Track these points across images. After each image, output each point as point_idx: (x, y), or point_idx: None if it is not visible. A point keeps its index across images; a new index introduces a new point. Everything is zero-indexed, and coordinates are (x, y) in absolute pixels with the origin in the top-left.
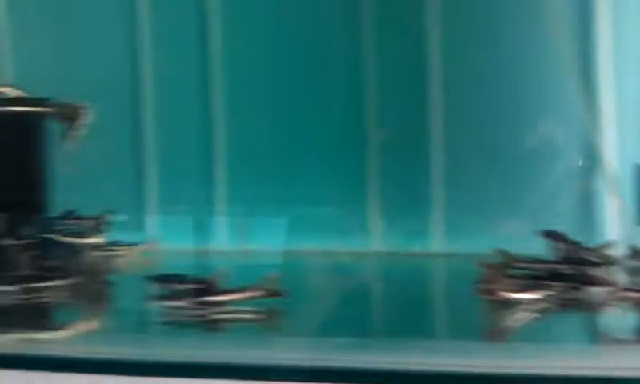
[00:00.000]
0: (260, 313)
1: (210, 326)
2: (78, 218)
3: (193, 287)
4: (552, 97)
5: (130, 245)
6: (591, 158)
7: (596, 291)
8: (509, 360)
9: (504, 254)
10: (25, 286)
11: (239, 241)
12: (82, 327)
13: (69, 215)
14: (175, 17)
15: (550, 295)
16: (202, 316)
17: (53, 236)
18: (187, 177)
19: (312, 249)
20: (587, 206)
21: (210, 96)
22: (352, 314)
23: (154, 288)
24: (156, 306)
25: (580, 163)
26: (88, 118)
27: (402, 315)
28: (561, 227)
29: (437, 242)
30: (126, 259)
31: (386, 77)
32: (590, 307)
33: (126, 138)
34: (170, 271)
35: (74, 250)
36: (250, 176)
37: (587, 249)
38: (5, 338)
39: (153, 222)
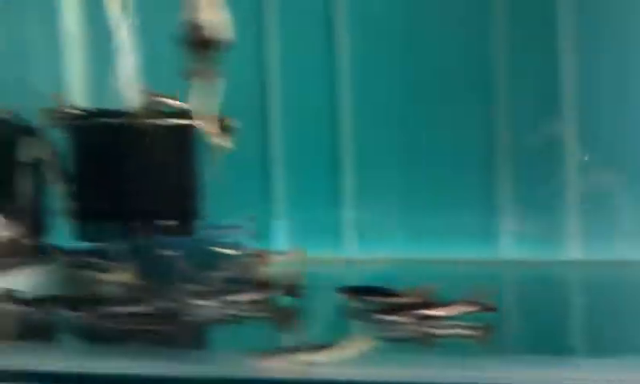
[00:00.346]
0: (475, 328)
1: (437, 342)
2: (224, 227)
3: (406, 301)
4: None
5: (278, 253)
6: None
7: None
8: None
9: None
10: (222, 299)
11: (368, 249)
12: (349, 347)
13: (213, 225)
14: (303, 31)
15: None
16: (422, 332)
17: (207, 246)
18: (314, 187)
19: (439, 257)
20: None
21: (338, 107)
22: (572, 327)
23: (347, 299)
24: (364, 320)
25: None
26: (234, 130)
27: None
28: None
29: (570, 250)
30: (275, 268)
31: (517, 81)
32: None
33: (255, 148)
34: (328, 280)
35: (229, 259)
36: (378, 185)
37: None
38: (279, 360)
39: (281, 230)
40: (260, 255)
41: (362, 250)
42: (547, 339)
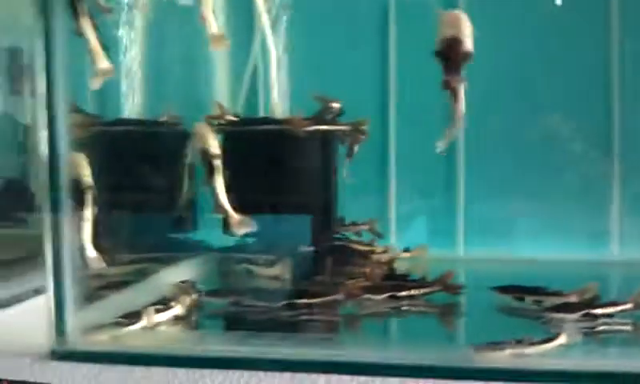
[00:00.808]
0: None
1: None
2: (354, 224)
3: (573, 300)
4: None
5: (404, 250)
6: None
7: None
8: None
9: None
10: (393, 294)
11: (487, 247)
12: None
13: (344, 222)
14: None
15: None
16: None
17: (345, 243)
18: (426, 190)
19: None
20: None
21: None
22: None
23: (502, 298)
24: (530, 317)
25: None
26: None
27: None
28: None
29: None
30: (402, 264)
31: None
32: None
33: (373, 150)
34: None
35: (364, 255)
36: (489, 188)
37: None
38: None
39: (398, 229)
40: (388, 251)
41: (480, 248)
42: None
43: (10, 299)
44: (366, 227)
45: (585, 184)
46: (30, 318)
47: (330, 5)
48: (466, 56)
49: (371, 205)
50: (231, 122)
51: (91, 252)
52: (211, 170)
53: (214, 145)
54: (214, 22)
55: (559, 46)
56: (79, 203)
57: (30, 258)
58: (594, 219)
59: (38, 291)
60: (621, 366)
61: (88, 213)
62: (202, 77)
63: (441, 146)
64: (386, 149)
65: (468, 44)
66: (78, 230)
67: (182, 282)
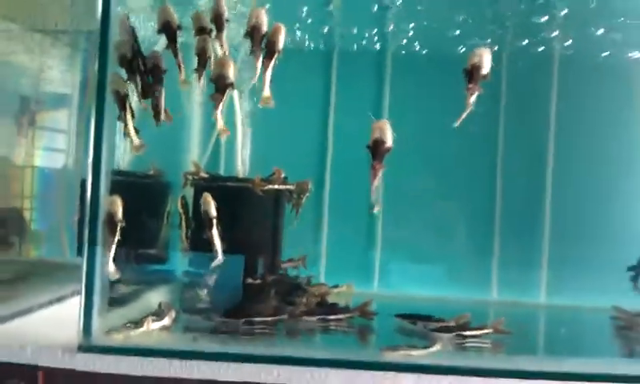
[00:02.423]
0: (495, 342)
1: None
2: (290, 259)
3: (452, 324)
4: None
5: (333, 286)
6: None
7: None
8: None
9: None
10: (323, 317)
11: (399, 286)
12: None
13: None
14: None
15: None
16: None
17: (285, 277)
18: (352, 239)
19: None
20: None
21: None
22: None
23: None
24: (422, 335)
25: None
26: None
27: None
28: None
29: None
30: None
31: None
32: None
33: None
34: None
35: (302, 288)
36: (403, 239)
37: None
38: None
39: (328, 268)
40: (322, 286)
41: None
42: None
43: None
44: (299, 262)
45: (472, 241)
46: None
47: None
48: (387, 150)
49: (308, 250)
50: (203, 179)
51: (112, 266)
52: (210, 224)
53: (213, 207)
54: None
55: (456, 135)
56: (111, 232)
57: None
58: (478, 269)
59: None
60: (473, 364)
61: (115, 239)
62: (182, 138)
63: (376, 208)
64: (320, 206)
65: (389, 143)
66: (107, 251)
67: (160, 303)
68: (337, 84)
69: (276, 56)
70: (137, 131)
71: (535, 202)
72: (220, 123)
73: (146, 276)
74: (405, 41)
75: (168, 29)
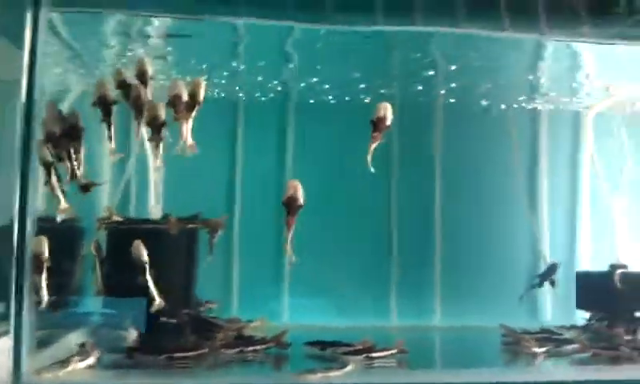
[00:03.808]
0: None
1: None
2: (208, 301)
3: (359, 347)
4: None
5: (248, 321)
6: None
7: None
8: None
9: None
10: (242, 349)
11: (300, 318)
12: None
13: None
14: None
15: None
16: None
17: (202, 315)
18: (260, 277)
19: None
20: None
21: None
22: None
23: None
24: (334, 359)
25: None
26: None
27: None
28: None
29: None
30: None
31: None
32: None
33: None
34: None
35: (217, 325)
36: (311, 276)
37: None
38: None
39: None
40: (235, 322)
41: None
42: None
43: None
44: (214, 305)
45: (372, 273)
46: None
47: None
48: (299, 207)
49: (219, 286)
50: (118, 222)
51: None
52: (143, 270)
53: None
54: None
55: (353, 175)
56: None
57: None
58: (379, 298)
59: None
60: (383, 380)
61: (43, 275)
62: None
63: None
64: (230, 244)
65: (300, 199)
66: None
67: (84, 343)
68: (243, 129)
69: (197, 108)
70: (64, 193)
71: (427, 236)
72: (159, 161)
73: (63, 318)
74: (304, 90)
75: (103, 102)
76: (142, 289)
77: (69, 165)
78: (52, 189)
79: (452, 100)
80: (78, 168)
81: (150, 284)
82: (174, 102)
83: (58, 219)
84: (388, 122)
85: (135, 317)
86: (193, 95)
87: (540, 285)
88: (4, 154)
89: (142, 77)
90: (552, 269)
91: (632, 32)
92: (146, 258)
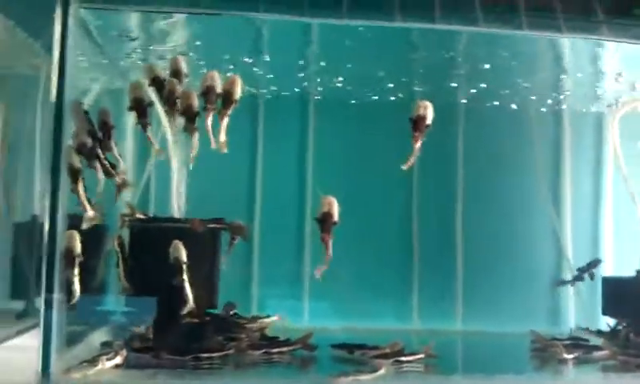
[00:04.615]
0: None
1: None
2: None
3: (387, 351)
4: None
5: (264, 318)
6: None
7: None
8: None
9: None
10: (267, 351)
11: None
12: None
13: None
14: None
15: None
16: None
17: (223, 314)
18: (281, 278)
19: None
20: None
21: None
22: None
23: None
24: (362, 362)
25: None
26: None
27: None
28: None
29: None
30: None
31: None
32: None
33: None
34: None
35: (240, 324)
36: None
37: None
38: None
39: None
40: (257, 320)
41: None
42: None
43: None
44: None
45: (394, 276)
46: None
47: None
48: (334, 224)
49: (239, 288)
50: (141, 220)
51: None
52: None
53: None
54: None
55: (376, 177)
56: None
57: None
58: (401, 301)
59: None
60: None
61: (75, 271)
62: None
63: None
64: (251, 244)
65: (335, 216)
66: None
67: (111, 341)
68: (264, 129)
69: (232, 106)
70: (90, 202)
71: (449, 239)
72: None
73: (88, 316)
74: (323, 88)
75: (139, 105)
76: (171, 288)
77: (99, 165)
78: (78, 196)
79: (475, 100)
80: (114, 167)
81: (186, 285)
82: (207, 94)
83: (84, 226)
84: (428, 121)
85: (159, 316)
86: (229, 92)
87: (580, 278)
88: (30, 149)
89: (177, 75)
90: (594, 263)
91: None
92: (184, 258)
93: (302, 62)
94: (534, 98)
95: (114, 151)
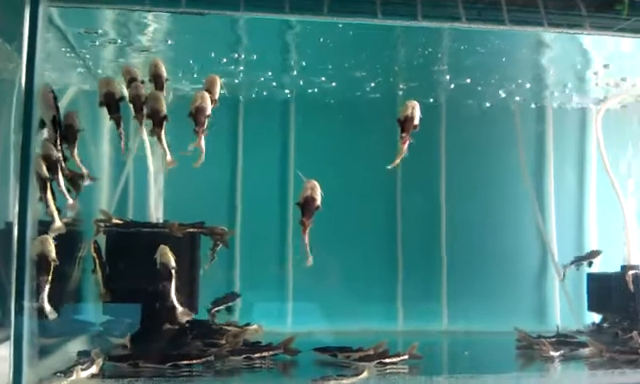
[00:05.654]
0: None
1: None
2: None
3: (371, 353)
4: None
5: (243, 325)
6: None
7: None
8: None
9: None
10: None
11: (301, 323)
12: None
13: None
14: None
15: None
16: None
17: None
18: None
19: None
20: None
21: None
22: None
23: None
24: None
25: None
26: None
27: None
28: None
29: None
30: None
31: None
32: None
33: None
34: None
35: (221, 330)
36: (313, 279)
37: None
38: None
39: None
40: (234, 326)
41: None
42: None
43: None
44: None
45: (378, 277)
46: None
47: None
48: (316, 208)
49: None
50: (117, 224)
51: (48, 306)
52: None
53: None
54: None
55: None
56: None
57: None
58: (388, 304)
59: None
60: None
61: (48, 278)
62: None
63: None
64: (232, 247)
65: (318, 201)
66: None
67: (86, 351)
68: (244, 129)
69: (212, 106)
70: (59, 211)
71: (433, 239)
72: (168, 156)
73: (64, 326)
74: (304, 88)
75: (110, 100)
76: (150, 294)
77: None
78: (47, 205)
79: (457, 98)
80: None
81: (173, 291)
82: (195, 115)
83: (51, 235)
84: (416, 122)
85: (136, 323)
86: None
87: (576, 264)
88: (5, 155)
89: (157, 79)
90: (594, 254)
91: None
92: (173, 264)
93: (281, 62)
94: (518, 97)
95: (75, 155)
